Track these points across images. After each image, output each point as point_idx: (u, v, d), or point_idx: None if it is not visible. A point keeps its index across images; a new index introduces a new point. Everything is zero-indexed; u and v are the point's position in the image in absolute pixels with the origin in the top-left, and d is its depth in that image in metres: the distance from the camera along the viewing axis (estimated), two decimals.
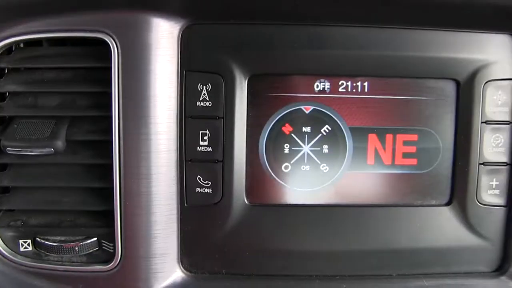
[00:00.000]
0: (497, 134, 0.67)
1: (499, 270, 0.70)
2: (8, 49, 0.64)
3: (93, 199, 0.65)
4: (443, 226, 0.69)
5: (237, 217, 0.66)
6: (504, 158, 0.68)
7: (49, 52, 0.64)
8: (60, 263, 0.65)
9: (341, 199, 0.68)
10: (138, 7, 0.61)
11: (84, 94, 0.64)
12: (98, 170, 0.64)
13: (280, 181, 0.66)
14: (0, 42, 0.61)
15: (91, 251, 0.64)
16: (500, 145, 0.68)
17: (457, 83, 0.66)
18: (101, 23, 0.61)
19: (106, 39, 0.61)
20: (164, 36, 0.63)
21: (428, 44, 0.66)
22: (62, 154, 0.63)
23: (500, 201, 0.68)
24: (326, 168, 0.67)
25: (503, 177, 0.69)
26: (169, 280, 0.65)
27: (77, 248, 0.63)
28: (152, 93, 0.62)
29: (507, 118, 0.68)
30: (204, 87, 0.64)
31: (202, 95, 0.64)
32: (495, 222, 0.69)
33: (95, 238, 0.64)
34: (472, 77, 0.66)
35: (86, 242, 0.63)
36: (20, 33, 0.62)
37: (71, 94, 0.64)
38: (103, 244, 0.64)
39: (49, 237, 0.64)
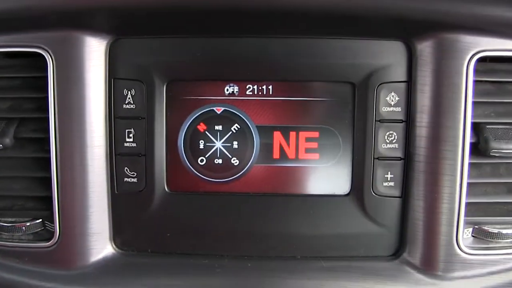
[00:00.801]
0: (391, 131, 0.74)
1: (395, 254, 0.77)
2: None
3: (38, 186, 0.75)
4: (343, 215, 0.76)
5: (158, 203, 0.76)
6: (398, 153, 0.74)
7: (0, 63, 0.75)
8: (10, 240, 0.75)
9: (249, 188, 0.76)
10: (70, 26, 0.71)
11: (29, 99, 0.74)
12: (42, 162, 0.74)
13: (197, 173, 0.76)
14: None
15: (36, 230, 0.75)
16: (393, 141, 0.75)
17: (353, 85, 0.73)
18: (40, 40, 0.72)
19: (43, 53, 0.71)
20: (93, 50, 0.72)
21: (327, 51, 0.73)
22: (11, 148, 0.73)
23: (395, 192, 0.76)
24: (236, 162, 0.76)
25: (397, 170, 0.75)
26: (101, 255, 0.76)
27: (24, 228, 0.74)
28: (84, 98, 0.72)
29: (400, 117, 0.74)
30: (129, 92, 0.74)
31: (127, 99, 0.75)
32: (391, 211, 0.76)
33: (40, 220, 0.75)
34: (367, 80, 0.73)
35: (32, 223, 0.74)
36: None
37: (18, 99, 0.74)
38: (46, 224, 0.75)
39: (2, 219, 0.75)
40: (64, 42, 0.72)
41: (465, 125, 0.72)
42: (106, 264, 0.76)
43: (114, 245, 0.77)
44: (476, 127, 0.73)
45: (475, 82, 0.72)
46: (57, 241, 0.74)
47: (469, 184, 0.73)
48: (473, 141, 0.73)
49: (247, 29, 0.73)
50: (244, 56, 0.75)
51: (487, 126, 0.73)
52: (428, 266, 0.75)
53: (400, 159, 0.75)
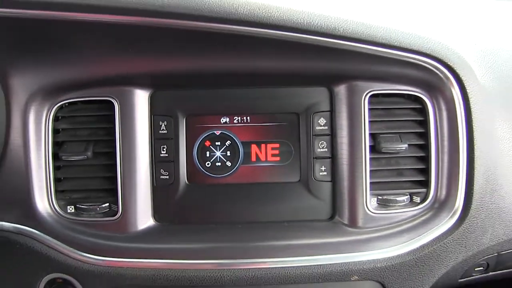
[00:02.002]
0: (322, 141, 1.10)
1: (330, 218, 1.11)
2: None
3: (107, 183, 1.07)
4: (296, 194, 1.11)
5: (182, 191, 1.11)
6: (327, 154, 1.10)
7: (82, 107, 1.09)
8: (89, 217, 1.07)
9: (238, 180, 1.11)
10: (127, 84, 1.07)
11: (102, 128, 1.07)
12: (110, 167, 1.06)
13: (205, 171, 1.11)
14: (58, 103, 1.07)
15: (105, 211, 1.07)
16: (324, 147, 1.10)
17: (298, 115, 1.10)
18: (109, 92, 1.06)
19: (112, 100, 1.06)
20: (141, 97, 1.08)
21: (281, 95, 1.11)
22: (91, 159, 1.06)
23: (328, 178, 1.11)
24: (229, 164, 1.11)
25: (327, 165, 1.10)
26: (146, 225, 1.09)
27: (98, 208, 1.07)
28: (136, 127, 1.07)
29: (327, 133, 1.10)
30: (163, 123, 1.09)
31: (162, 127, 1.10)
32: (326, 191, 1.11)
33: (108, 204, 1.07)
34: (306, 111, 1.10)
35: (102, 206, 1.08)
36: (66, 98, 1.07)
37: (95, 129, 1.08)
38: (111, 206, 1.07)
39: (83, 204, 1.08)
40: (124, 93, 1.07)
41: (365, 135, 1.07)
42: (149, 231, 1.08)
43: (154, 219, 1.10)
44: (373, 135, 1.08)
45: (371, 109, 1.07)
46: (119, 217, 1.07)
47: (371, 171, 1.07)
48: (371, 144, 1.07)
49: (231, 83, 1.09)
50: (232, 100, 1.11)
51: (380, 135, 1.08)
52: (352, 223, 1.08)
53: (329, 158, 1.11)
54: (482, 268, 1.23)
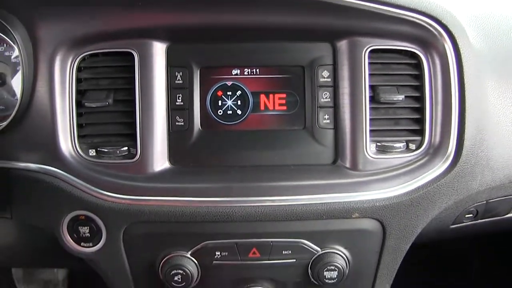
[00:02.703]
0: (326, 92, 1.15)
1: (333, 162, 1.16)
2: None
3: (126, 128, 1.11)
4: (301, 141, 1.16)
5: (196, 137, 1.15)
6: (330, 104, 1.16)
7: (103, 58, 1.13)
8: (108, 159, 1.12)
9: (247, 127, 1.16)
10: (146, 37, 1.10)
11: (121, 78, 1.12)
12: (129, 114, 1.11)
13: (217, 119, 1.16)
14: (81, 55, 1.11)
15: (124, 154, 1.12)
16: (327, 97, 1.16)
17: (303, 67, 1.15)
18: (129, 44, 1.11)
19: (132, 52, 1.11)
20: (159, 49, 1.12)
21: (288, 49, 1.15)
22: (112, 106, 1.10)
23: (331, 126, 1.16)
24: (240, 112, 1.16)
25: (330, 113, 1.16)
26: (162, 167, 1.13)
27: (118, 152, 1.12)
28: (154, 77, 1.11)
29: (330, 84, 1.15)
30: (179, 73, 1.14)
31: (178, 77, 1.14)
32: (329, 137, 1.16)
33: (127, 148, 1.12)
34: (310, 64, 1.15)
35: (122, 149, 1.12)
36: (89, 50, 1.12)
37: (115, 78, 1.12)
38: (130, 150, 1.12)
39: (104, 148, 1.12)
40: (143, 45, 1.11)
41: (365, 86, 1.13)
42: (165, 172, 1.13)
43: (169, 162, 1.14)
44: (372, 87, 1.13)
45: (370, 63, 1.13)
46: (137, 159, 1.12)
47: (370, 119, 1.12)
48: (371, 95, 1.13)
49: (242, 37, 1.14)
50: (242, 53, 1.16)
51: (379, 87, 1.14)
52: (353, 166, 1.14)
53: (332, 107, 1.16)
54: (471, 215, 1.33)
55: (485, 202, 1.30)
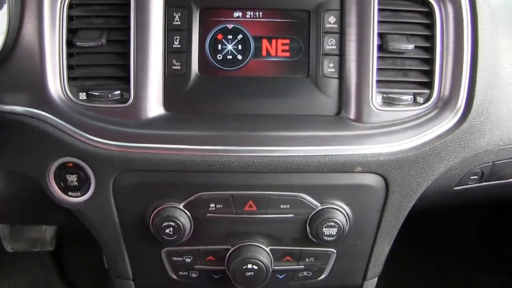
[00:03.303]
0: (331, 38, 1.09)
1: (337, 114, 1.09)
2: None
3: (120, 70, 1.05)
4: (304, 90, 1.09)
5: (193, 82, 1.08)
6: (336, 52, 1.10)
7: None
8: (99, 103, 1.05)
9: (248, 73, 1.10)
10: None
11: (116, 16, 1.04)
12: (123, 55, 1.04)
13: (216, 64, 1.10)
14: None
15: (116, 98, 1.05)
16: (333, 44, 1.09)
17: (309, 12, 1.08)
18: None
19: None
20: None
21: None
22: (105, 46, 1.03)
23: (335, 75, 1.09)
24: (240, 57, 1.10)
25: (335, 61, 1.10)
26: (157, 113, 1.06)
27: (109, 95, 1.05)
28: (150, 17, 1.05)
29: (336, 30, 1.09)
30: (177, 14, 1.06)
31: (176, 18, 1.06)
32: (333, 87, 1.10)
33: (119, 91, 1.05)
34: (317, 8, 1.08)
35: (114, 93, 1.05)
36: None
37: (108, 17, 1.05)
38: (123, 94, 1.05)
39: (95, 91, 1.05)
40: None
41: (373, 34, 1.06)
42: (159, 118, 1.07)
43: (164, 108, 1.07)
44: (381, 35, 1.07)
45: (379, 9, 1.06)
46: (131, 104, 1.05)
47: (378, 69, 1.06)
48: (379, 43, 1.06)
49: None
50: None
51: (387, 35, 1.07)
52: (357, 118, 1.07)
53: (337, 55, 1.09)
54: (476, 177, 1.27)
55: (491, 163, 1.24)
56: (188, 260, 1.13)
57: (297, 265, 1.14)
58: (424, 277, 2.11)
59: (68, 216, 1.20)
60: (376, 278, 1.24)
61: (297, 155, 1.07)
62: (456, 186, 1.26)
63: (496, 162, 1.25)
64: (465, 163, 1.18)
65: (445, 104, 1.13)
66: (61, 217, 1.36)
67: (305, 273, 1.14)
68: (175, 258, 1.13)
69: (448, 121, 1.12)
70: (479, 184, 1.30)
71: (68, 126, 1.07)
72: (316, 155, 1.07)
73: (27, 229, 1.93)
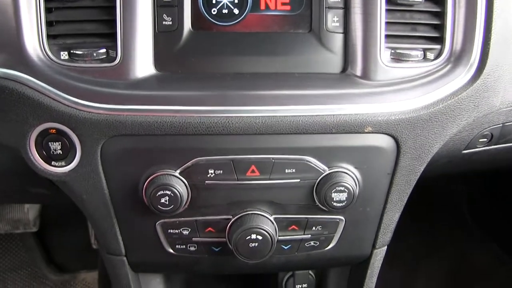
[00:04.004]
0: None
1: (343, 71, 1.01)
2: None
3: (105, 27, 0.95)
4: (306, 46, 1.01)
5: (186, 38, 0.99)
6: (341, 5, 1.00)
7: None
8: (83, 62, 0.95)
9: (245, 29, 1.00)
10: None
11: None
12: (109, 10, 0.94)
13: (210, 19, 1.00)
14: None
15: (102, 57, 0.95)
16: None
17: None
18: None
19: None
20: None
21: None
22: (88, 0, 0.93)
23: (340, 29, 1.01)
24: (237, 11, 1.00)
25: (340, 15, 1.00)
26: (147, 73, 0.97)
27: (94, 54, 0.95)
28: None
29: None
30: None
31: None
32: (338, 42, 1.01)
33: (105, 49, 0.95)
34: None
35: (99, 51, 0.95)
36: None
37: None
38: (109, 52, 0.95)
39: (78, 50, 0.94)
40: None
41: None
42: (150, 78, 0.97)
43: (155, 68, 0.98)
44: None
45: None
46: (118, 63, 0.95)
47: (386, 22, 0.98)
48: None
49: None
50: None
51: None
52: (365, 75, 0.99)
53: (342, 8, 1.00)
54: (486, 139, 1.19)
55: (501, 125, 1.16)
56: (185, 232, 1.03)
57: (304, 234, 1.05)
58: (415, 252, 2.08)
59: (53, 191, 1.08)
60: (385, 247, 1.14)
61: (303, 115, 0.96)
62: (464, 150, 1.18)
63: (506, 124, 1.17)
64: (476, 124, 1.10)
65: (457, 59, 1.03)
66: (44, 192, 1.23)
67: (311, 243, 1.05)
68: (171, 231, 1.03)
69: (462, 77, 1.02)
70: (487, 148, 1.22)
71: (49, 88, 0.94)
72: (323, 115, 0.97)
73: (8, 209, 1.81)
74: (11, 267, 1.96)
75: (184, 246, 1.06)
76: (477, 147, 1.21)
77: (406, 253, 2.05)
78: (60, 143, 0.97)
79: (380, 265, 1.16)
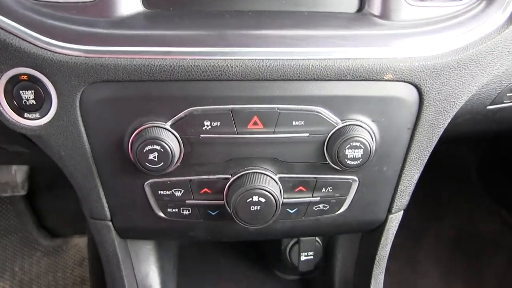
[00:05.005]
0: None
1: (359, 10, 0.87)
2: None
3: None
4: None
5: None
6: None
7: None
8: None
9: None
10: None
11: None
12: None
13: None
14: None
15: None
16: None
17: None
18: None
19: None
20: None
21: None
22: None
23: None
24: None
25: None
26: (133, 11, 0.82)
27: None
28: None
29: None
30: None
31: None
32: None
33: None
34: None
35: None
36: None
37: None
38: None
39: None
40: None
41: None
42: (137, 16, 0.83)
43: (142, 5, 0.83)
44: None
45: None
46: None
47: None
48: None
49: None
50: None
51: None
52: (384, 15, 0.85)
53: None
54: None
55: None
56: (178, 194, 0.89)
57: (312, 196, 0.91)
58: (421, 219, 1.97)
59: (32, 149, 0.94)
60: (402, 212, 0.99)
61: (314, 59, 0.81)
62: (490, 105, 1.02)
63: None
64: (506, 75, 0.95)
65: None
66: (24, 151, 1.07)
67: (321, 206, 0.90)
68: (162, 192, 0.89)
69: (496, 19, 0.87)
70: None
71: (18, 26, 0.79)
72: (337, 59, 0.82)
73: None
74: (1, 232, 1.84)
75: (176, 210, 0.91)
76: (504, 103, 1.06)
77: (412, 220, 1.92)
78: (33, 91, 0.82)
79: (395, 232, 1.02)
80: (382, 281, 1.08)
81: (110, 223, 0.97)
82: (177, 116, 0.83)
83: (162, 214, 0.93)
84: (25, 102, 0.83)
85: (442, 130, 0.92)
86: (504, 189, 1.94)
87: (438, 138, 0.93)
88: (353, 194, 0.94)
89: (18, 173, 1.69)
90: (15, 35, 0.79)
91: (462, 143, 1.92)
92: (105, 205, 0.94)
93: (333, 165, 0.88)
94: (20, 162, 1.55)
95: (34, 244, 1.87)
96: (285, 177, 0.90)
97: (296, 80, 0.82)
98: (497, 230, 1.93)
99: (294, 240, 1.23)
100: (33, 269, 1.85)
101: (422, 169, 0.96)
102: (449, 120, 0.92)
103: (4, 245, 1.87)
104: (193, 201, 0.91)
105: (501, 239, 1.91)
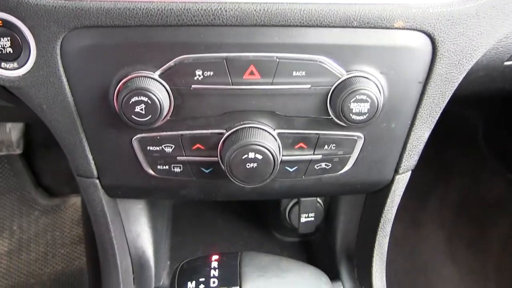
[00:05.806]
0: None
1: None
2: None
3: None
4: None
5: None
6: None
7: None
8: None
9: None
10: None
11: None
12: None
13: None
14: None
15: None
16: None
17: None
18: None
19: None
20: None
21: None
22: None
23: None
24: None
25: None
26: None
27: None
28: None
29: None
30: None
31: None
32: None
33: None
34: None
35: None
36: None
37: None
38: None
39: None
40: None
41: None
42: None
43: None
44: None
45: None
46: None
47: None
48: None
49: None
50: None
51: None
52: None
53: None
54: None
55: None
56: (168, 150, 0.82)
57: (313, 154, 0.83)
58: (425, 181, 1.90)
59: (15, 102, 0.85)
60: (409, 173, 0.91)
61: (316, 2, 0.72)
62: (507, 61, 0.92)
63: None
64: None
65: None
66: (7, 105, 0.99)
67: (322, 164, 0.82)
68: (151, 148, 0.82)
69: None
70: None
71: None
72: (342, 3, 0.73)
73: None
74: None
75: (167, 167, 0.84)
76: None
77: (416, 182, 1.85)
78: (9, 38, 0.74)
79: (401, 193, 0.94)
80: (386, 245, 1.00)
81: (97, 181, 0.89)
82: (166, 65, 0.74)
83: (151, 172, 0.85)
84: (1, 50, 0.74)
85: (455, 85, 0.83)
86: (510, 152, 1.85)
87: (451, 95, 0.84)
88: (357, 152, 0.85)
89: (13, 131, 1.62)
90: None
91: (470, 103, 1.83)
92: (91, 161, 0.86)
93: (336, 120, 0.79)
94: (7, 117, 1.47)
95: (32, 203, 1.82)
96: (284, 132, 0.81)
97: (297, 26, 0.73)
98: (502, 193, 1.86)
99: (294, 200, 1.16)
100: (32, 228, 1.81)
101: (432, 127, 0.87)
102: (463, 75, 0.83)
103: (2, 204, 1.83)
104: (185, 157, 0.83)
105: (506, 202, 1.84)
